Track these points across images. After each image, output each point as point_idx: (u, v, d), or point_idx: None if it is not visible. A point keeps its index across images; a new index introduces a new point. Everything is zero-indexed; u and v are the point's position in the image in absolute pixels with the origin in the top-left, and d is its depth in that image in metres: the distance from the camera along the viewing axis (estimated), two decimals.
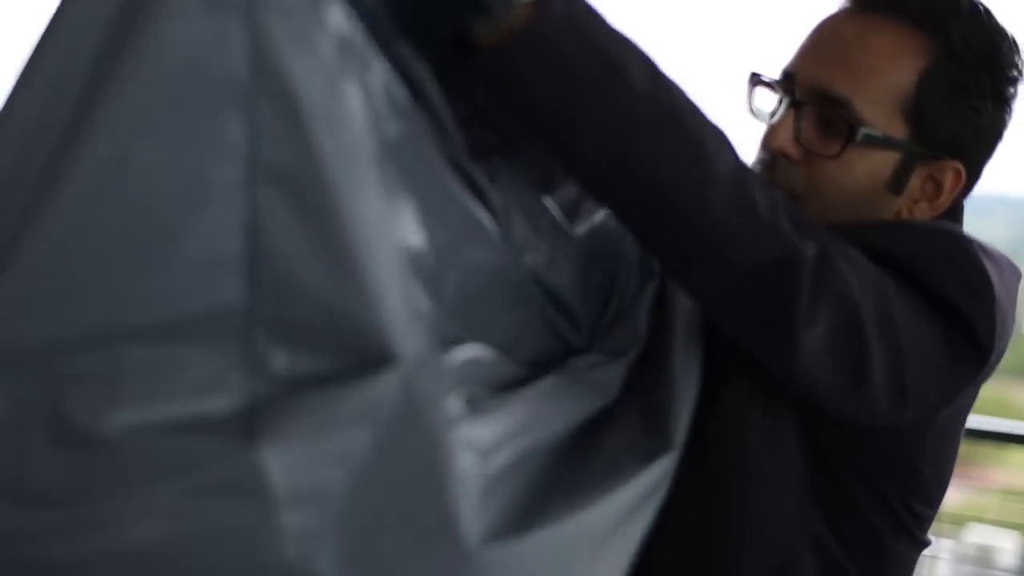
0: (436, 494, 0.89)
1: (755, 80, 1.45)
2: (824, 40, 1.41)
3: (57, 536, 0.80)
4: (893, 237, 1.35)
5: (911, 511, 1.38)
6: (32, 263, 0.81)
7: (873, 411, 1.27)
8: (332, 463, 0.83)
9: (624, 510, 1.10)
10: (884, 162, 1.37)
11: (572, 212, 1.27)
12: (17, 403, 0.81)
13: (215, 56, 0.82)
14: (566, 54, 1.08)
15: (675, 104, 1.16)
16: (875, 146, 1.36)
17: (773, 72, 1.43)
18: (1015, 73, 1.38)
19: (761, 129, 1.42)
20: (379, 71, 0.94)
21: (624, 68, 1.12)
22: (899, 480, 1.37)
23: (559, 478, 1.05)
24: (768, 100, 1.43)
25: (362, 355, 0.85)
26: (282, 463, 0.81)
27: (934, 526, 1.46)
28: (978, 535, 4.16)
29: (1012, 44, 1.38)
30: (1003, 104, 1.38)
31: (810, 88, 1.38)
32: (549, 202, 1.22)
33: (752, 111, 1.45)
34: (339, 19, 0.88)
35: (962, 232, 1.40)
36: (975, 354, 1.32)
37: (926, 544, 1.44)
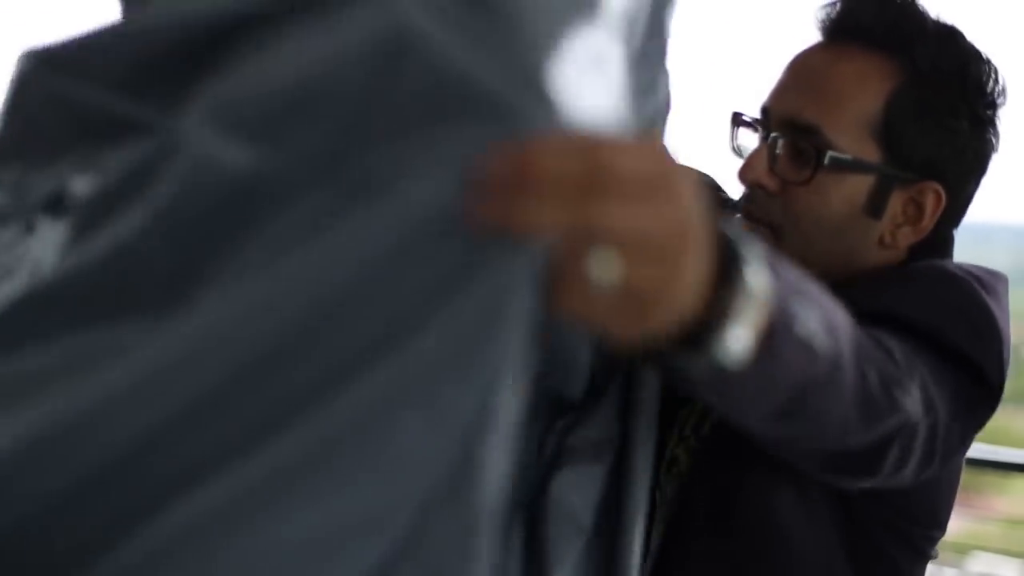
0: None
1: (736, 119, 1.47)
2: (795, 73, 1.43)
3: None
4: (904, 300, 1.31)
5: (929, 539, 1.39)
6: None
7: (904, 480, 1.25)
8: None
9: None
10: (858, 186, 1.37)
11: None
12: None
13: None
14: (788, 368, 0.98)
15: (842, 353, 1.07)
16: (846, 170, 1.36)
17: (754, 110, 1.44)
18: (992, 94, 1.38)
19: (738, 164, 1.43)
20: None
21: (839, 361, 1.05)
22: (922, 520, 1.38)
23: None
24: (749, 138, 1.46)
25: None
26: None
27: (939, 556, 1.47)
28: (981, 564, 4.17)
29: (986, 65, 1.38)
30: (982, 125, 1.38)
31: (781, 120, 1.40)
32: None
33: (734, 150, 1.48)
34: None
35: (960, 271, 1.37)
36: (988, 397, 1.32)
37: (935, 556, 1.44)
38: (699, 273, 0.72)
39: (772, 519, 1.32)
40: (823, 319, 1.02)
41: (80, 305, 0.67)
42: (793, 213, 1.38)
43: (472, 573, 0.66)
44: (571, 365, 1.02)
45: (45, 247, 0.72)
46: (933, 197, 1.37)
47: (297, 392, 0.62)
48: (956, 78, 1.37)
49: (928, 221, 1.38)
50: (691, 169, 1.11)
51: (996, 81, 1.38)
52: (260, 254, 0.63)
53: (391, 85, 0.63)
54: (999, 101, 1.39)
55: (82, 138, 0.74)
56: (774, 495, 1.32)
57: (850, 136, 1.36)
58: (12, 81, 0.77)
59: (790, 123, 1.38)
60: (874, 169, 1.36)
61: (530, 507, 0.99)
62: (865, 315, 1.19)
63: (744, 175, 1.40)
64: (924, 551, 1.40)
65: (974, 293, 1.32)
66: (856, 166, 1.36)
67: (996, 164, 1.41)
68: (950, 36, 1.38)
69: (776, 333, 0.92)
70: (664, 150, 0.70)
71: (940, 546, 1.45)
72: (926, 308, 1.30)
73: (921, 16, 1.40)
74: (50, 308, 0.68)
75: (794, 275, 0.98)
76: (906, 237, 1.39)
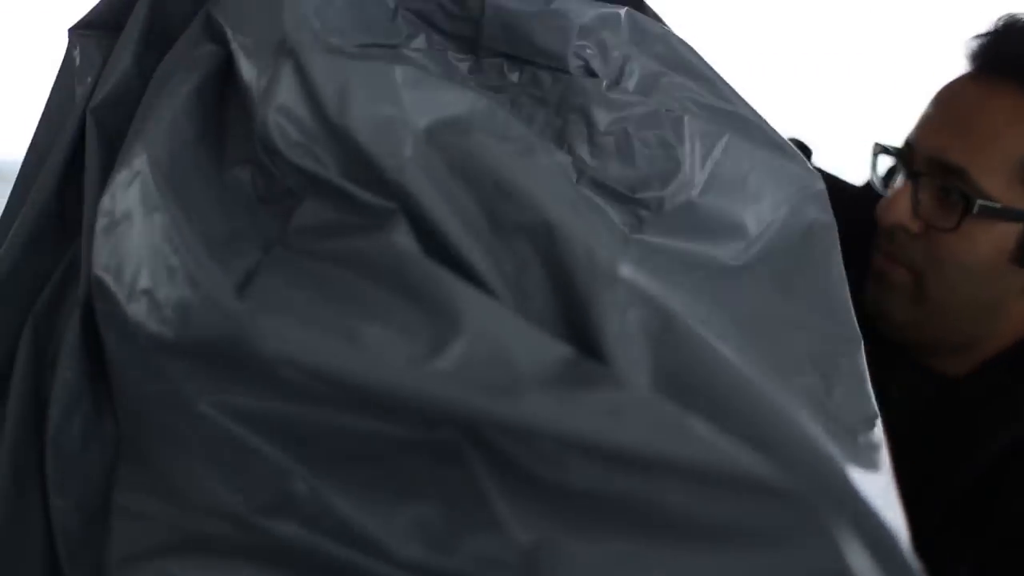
0: None
1: (878, 149, 1.40)
2: (942, 107, 1.35)
3: None
4: None
5: None
6: None
7: None
8: None
9: None
10: (1008, 234, 1.28)
11: None
12: None
13: None
14: None
15: None
16: (996, 218, 1.27)
17: (897, 140, 1.38)
18: None
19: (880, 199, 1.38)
20: None
21: None
22: None
23: None
24: (885, 163, 1.41)
25: None
26: None
27: None
28: None
29: None
30: None
31: (927, 158, 1.32)
32: None
33: (874, 181, 1.41)
34: None
35: None
36: None
37: None
38: None
39: None
40: None
41: None
42: (937, 258, 1.31)
43: None
44: None
45: None
46: None
47: None
48: None
49: None
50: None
51: None
52: None
53: None
54: None
55: None
56: None
57: (1000, 180, 1.28)
58: None
59: (936, 163, 1.31)
60: None
61: None
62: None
63: (887, 216, 1.34)
64: None
65: None
66: (1007, 214, 1.27)
67: None
68: None
69: None
70: None
71: None
72: None
73: None
74: None
75: None
76: None
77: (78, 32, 0.80)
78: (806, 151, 1.45)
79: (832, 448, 0.62)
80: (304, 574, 0.61)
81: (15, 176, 0.81)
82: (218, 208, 0.68)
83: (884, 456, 0.70)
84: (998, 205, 1.26)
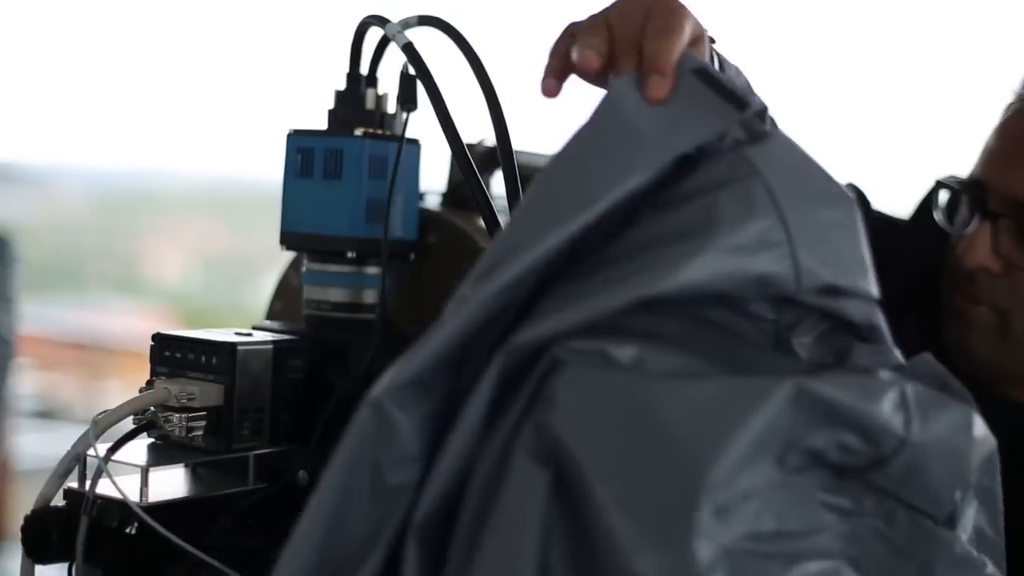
0: None
1: (940, 185, 1.40)
2: (1012, 142, 1.34)
3: None
4: None
5: None
6: None
7: None
8: None
9: None
10: None
11: None
12: None
13: None
14: None
15: None
16: None
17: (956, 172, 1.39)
18: None
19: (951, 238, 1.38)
20: None
21: None
22: None
23: None
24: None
25: None
26: None
27: None
28: None
29: None
30: None
31: (1004, 198, 1.31)
32: None
33: (940, 219, 1.39)
34: None
35: None
36: None
37: None
38: None
39: None
40: None
41: None
42: (1022, 296, 1.32)
43: None
44: None
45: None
46: None
47: None
48: None
49: None
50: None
51: None
52: None
53: None
54: None
55: None
56: None
57: None
58: None
59: (1015, 203, 1.30)
60: None
61: None
62: None
63: (969, 260, 1.33)
64: None
65: None
66: None
67: None
68: None
69: None
70: None
71: None
72: None
73: None
74: None
75: None
76: None
77: (382, 398, 0.77)
78: (863, 198, 1.43)
79: None
80: None
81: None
82: None
83: None
84: None
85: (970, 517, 0.83)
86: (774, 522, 0.75)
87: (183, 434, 1.00)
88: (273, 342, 1.06)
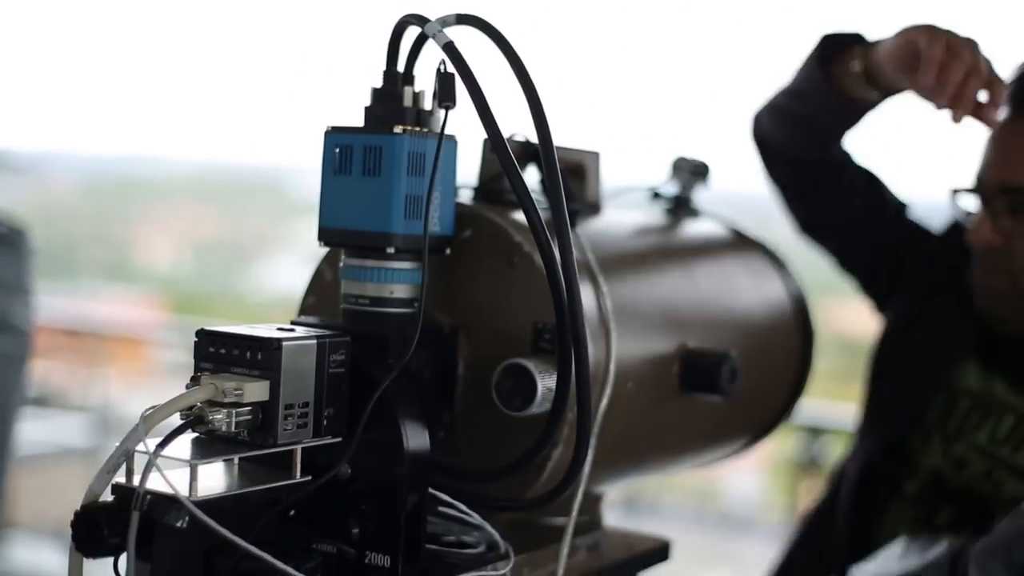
0: None
1: (955, 191, 1.85)
2: (999, 145, 1.79)
3: None
4: None
5: None
6: None
7: None
8: None
9: None
10: None
11: None
12: None
13: None
14: None
15: None
16: None
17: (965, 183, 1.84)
18: None
19: None
20: None
21: None
22: None
23: None
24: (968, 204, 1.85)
25: None
26: None
27: None
28: None
29: None
30: None
31: (996, 187, 1.77)
32: None
33: (958, 216, 1.88)
34: None
35: None
36: None
37: None
38: None
39: None
40: None
41: None
42: (1020, 255, 1.77)
43: None
44: None
45: None
46: None
47: None
48: None
49: None
50: None
51: None
52: None
53: None
54: None
55: None
56: None
57: None
58: None
59: (1005, 187, 1.76)
60: None
61: None
62: None
63: (977, 239, 1.80)
64: None
65: None
66: None
67: None
68: None
69: None
70: None
71: None
72: None
73: None
74: None
75: None
76: None
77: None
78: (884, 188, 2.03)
79: None
80: None
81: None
82: None
83: None
84: None
85: None
86: None
87: (230, 429, 1.01)
88: (317, 337, 1.07)
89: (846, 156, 1.96)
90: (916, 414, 1.88)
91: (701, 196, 1.62)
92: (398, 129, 1.13)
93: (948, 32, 1.57)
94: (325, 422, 1.07)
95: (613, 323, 1.24)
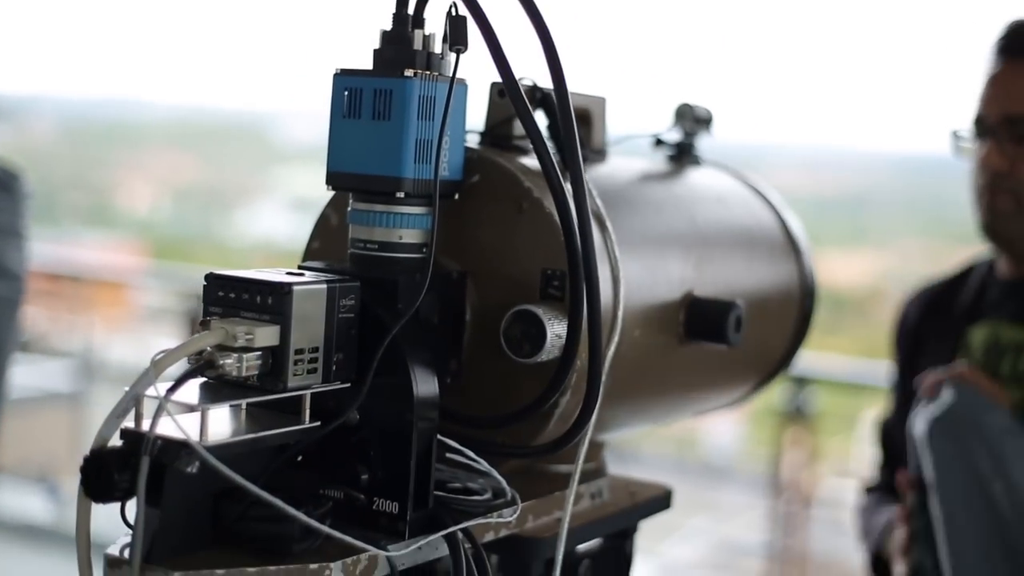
0: None
1: (955, 134, 2.13)
2: (997, 85, 2.06)
3: None
4: None
5: None
6: None
7: None
8: None
9: None
10: None
11: None
12: None
13: None
14: None
15: None
16: None
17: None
18: None
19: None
20: None
21: None
22: None
23: None
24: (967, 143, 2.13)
25: None
26: None
27: None
28: None
29: None
30: None
31: (999, 119, 2.05)
32: None
33: (960, 152, 2.15)
34: None
35: None
36: None
37: None
38: None
39: None
40: None
41: None
42: None
43: None
44: None
45: None
46: None
47: None
48: None
49: None
50: None
51: None
52: None
53: None
54: None
55: None
56: None
57: None
58: None
59: (1007, 118, 2.03)
60: None
61: None
62: None
63: (987, 167, 2.06)
64: None
65: None
66: None
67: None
68: None
69: None
70: None
71: None
72: None
73: None
74: None
75: None
76: None
77: None
78: None
79: None
80: None
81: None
82: None
83: None
84: None
85: None
86: None
87: (240, 374, 1.00)
88: (327, 282, 1.06)
89: None
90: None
91: (704, 144, 1.61)
92: (409, 72, 1.11)
93: None
94: (334, 367, 1.07)
95: (621, 270, 1.23)
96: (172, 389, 0.98)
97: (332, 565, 1.02)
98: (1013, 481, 1.79)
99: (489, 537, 1.17)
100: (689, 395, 1.49)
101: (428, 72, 1.13)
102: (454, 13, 1.12)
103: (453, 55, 1.14)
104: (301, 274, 1.08)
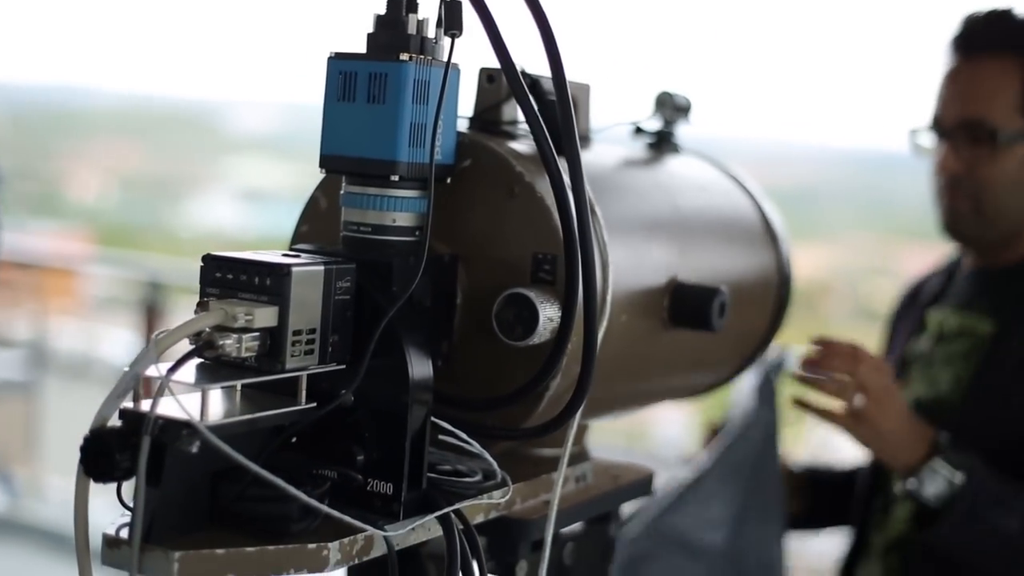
0: None
1: (913, 133, 2.12)
2: (953, 86, 2.07)
3: None
4: None
5: None
6: None
7: None
8: None
9: None
10: (1020, 151, 2.02)
11: None
12: None
13: None
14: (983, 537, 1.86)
15: None
16: (1012, 141, 2.01)
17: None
18: None
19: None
20: None
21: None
22: None
23: None
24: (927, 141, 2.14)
25: None
26: None
27: None
28: None
29: None
30: None
31: (955, 122, 2.06)
32: None
33: (918, 153, 2.15)
34: None
35: None
36: None
37: None
38: (910, 429, 1.85)
39: None
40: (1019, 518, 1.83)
41: None
42: (982, 180, 2.05)
43: None
44: None
45: None
46: None
47: None
48: None
49: None
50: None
51: None
52: None
53: None
54: None
55: None
56: None
57: (1007, 117, 2.01)
58: None
59: (964, 122, 2.04)
60: None
61: None
62: None
63: (944, 171, 2.08)
64: None
65: None
66: (1018, 136, 2.02)
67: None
68: None
69: (969, 516, 1.81)
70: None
71: None
72: None
73: (1015, 23, 2.07)
74: None
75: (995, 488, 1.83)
76: None
77: None
78: None
79: None
80: None
81: None
82: None
83: None
84: (1011, 131, 2.01)
85: None
86: None
87: (239, 354, 1.01)
88: (324, 263, 1.06)
89: None
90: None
91: (682, 133, 1.62)
92: (404, 56, 1.12)
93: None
94: (330, 349, 1.07)
95: (610, 255, 1.24)
96: (173, 369, 0.98)
97: (330, 545, 1.03)
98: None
99: (479, 519, 1.18)
100: (671, 379, 1.50)
101: (422, 56, 1.13)
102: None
103: (446, 40, 1.14)
104: (297, 256, 1.08)
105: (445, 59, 1.15)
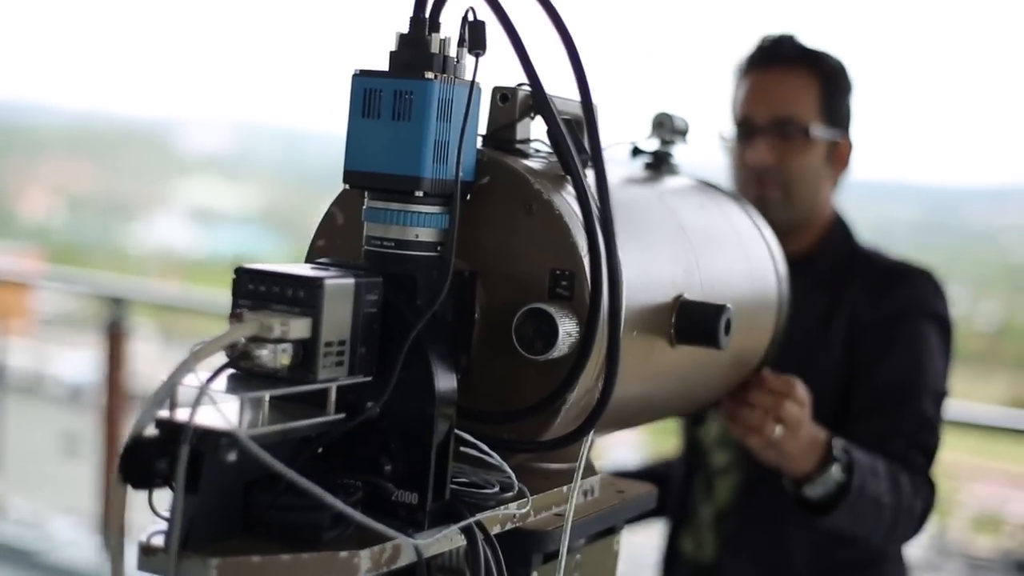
0: None
1: (720, 135, 2.36)
2: (759, 91, 2.33)
3: None
4: (926, 293, 2.32)
5: None
6: None
7: None
8: None
9: None
10: (821, 145, 2.32)
11: None
12: None
13: None
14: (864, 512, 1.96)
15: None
16: (818, 136, 2.29)
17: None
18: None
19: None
20: None
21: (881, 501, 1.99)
22: None
23: None
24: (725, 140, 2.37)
25: None
26: None
27: None
28: None
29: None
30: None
31: (768, 120, 2.30)
32: None
33: (727, 150, 2.37)
34: None
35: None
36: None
37: None
38: (810, 444, 1.89)
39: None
40: (886, 485, 1.98)
41: None
42: (793, 170, 2.31)
43: None
44: None
45: None
46: (847, 145, 2.37)
47: None
48: (842, 72, 2.35)
49: (847, 161, 2.38)
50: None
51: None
52: None
53: None
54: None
55: None
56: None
57: (813, 116, 2.30)
58: None
59: (775, 120, 2.30)
60: (829, 132, 2.31)
61: None
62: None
63: (753, 160, 2.30)
64: None
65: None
66: (824, 132, 2.30)
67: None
68: (826, 53, 2.35)
69: (853, 492, 1.91)
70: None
71: None
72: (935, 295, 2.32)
73: (804, 44, 2.35)
74: None
75: (868, 463, 1.96)
76: (838, 173, 2.39)
77: None
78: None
79: None
80: None
81: None
82: None
83: None
84: (819, 128, 2.30)
85: None
86: None
87: (275, 365, 1.02)
88: (354, 276, 1.08)
89: None
90: None
91: (679, 153, 1.65)
92: (429, 75, 1.14)
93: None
94: (358, 361, 1.09)
95: (623, 273, 1.26)
96: (211, 379, 1.00)
97: (361, 553, 1.05)
98: None
99: (496, 530, 1.20)
100: (676, 396, 1.53)
101: (446, 75, 1.16)
102: (472, 18, 1.15)
103: (469, 59, 1.17)
104: (326, 268, 1.10)
105: (468, 78, 1.17)
